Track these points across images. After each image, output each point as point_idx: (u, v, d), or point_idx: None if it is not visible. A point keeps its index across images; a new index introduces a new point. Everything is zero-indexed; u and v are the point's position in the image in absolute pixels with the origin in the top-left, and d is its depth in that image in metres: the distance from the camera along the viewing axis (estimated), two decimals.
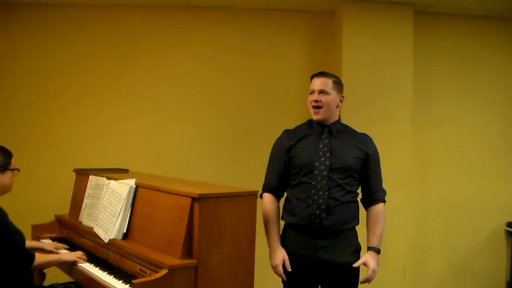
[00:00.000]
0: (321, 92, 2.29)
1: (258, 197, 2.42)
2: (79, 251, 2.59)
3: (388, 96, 3.63)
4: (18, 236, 2.18)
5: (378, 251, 2.28)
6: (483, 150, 3.98)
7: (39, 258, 2.30)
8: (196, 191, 2.12)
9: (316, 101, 2.29)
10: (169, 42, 3.87)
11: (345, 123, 2.45)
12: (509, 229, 3.92)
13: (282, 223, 2.41)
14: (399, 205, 3.54)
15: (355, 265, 2.24)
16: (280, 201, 2.43)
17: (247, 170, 3.80)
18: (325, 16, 3.92)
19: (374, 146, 2.37)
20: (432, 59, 3.93)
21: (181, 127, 3.86)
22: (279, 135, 2.49)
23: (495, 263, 3.97)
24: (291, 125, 2.59)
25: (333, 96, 2.31)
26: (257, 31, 3.91)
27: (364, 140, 2.35)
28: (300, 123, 2.49)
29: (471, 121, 3.97)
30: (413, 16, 3.67)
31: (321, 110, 2.29)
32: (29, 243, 2.62)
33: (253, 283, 2.32)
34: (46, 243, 2.85)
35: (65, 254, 2.55)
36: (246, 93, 3.90)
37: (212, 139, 3.87)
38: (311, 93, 2.33)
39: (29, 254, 2.25)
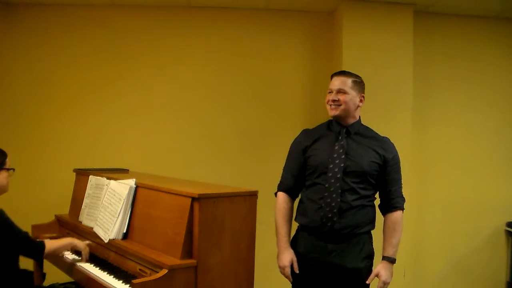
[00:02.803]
0: (339, 91, 2.24)
1: (266, 200, 2.41)
2: (86, 240, 2.61)
3: (388, 96, 3.63)
4: (21, 230, 2.22)
5: (393, 261, 2.22)
6: (483, 150, 3.97)
7: (50, 244, 2.34)
8: (196, 191, 2.12)
9: (334, 100, 2.23)
10: (169, 42, 3.87)
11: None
12: (509, 229, 3.92)
13: (295, 224, 2.38)
14: None
15: (368, 281, 2.20)
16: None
17: (247, 170, 3.81)
18: (325, 16, 3.92)
19: (395, 151, 2.29)
20: (432, 59, 3.93)
21: (181, 127, 3.86)
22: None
23: (495, 263, 3.97)
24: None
25: (352, 95, 2.24)
26: (257, 31, 3.91)
27: (384, 145, 2.27)
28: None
29: (471, 121, 3.97)
30: (413, 16, 3.67)
31: (338, 107, 2.23)
32: None
33: (253, 283, 2.32)
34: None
35: (76, 240, 2.55)
36: (246, 93, 3.89)
37: (212, 139, 3.87)
38: (329, 92, 2.28)
39: (39, 242, 2.29)
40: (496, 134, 3.99)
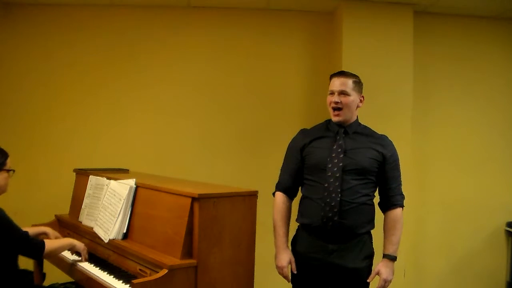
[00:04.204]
0: (341, 93, 2.23)
1: (265, 201, 2.41)
2: (85, 240, 2.60)
3: (388, 96, 3.63)
4: (20, 229, 2.21)
5: (393, 259, 2.22)
6: (483, 150, 3.97)
7: (50, 244, 2.31)
8: (196, 191, 2.12)
9: (336, 102, 2.23)
10: (169, 42, 3.87)
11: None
12: (509, 229, 3.92)
13: (295, 224, 2.38)
14: None
15: (369, 280, 2.21)
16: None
17: (247, 170, 3.81)
18: (325, 16, 3.92)
19: (393, 148, 2.29)
20: (432, 59, 3.93)
21: (181, 127, 3.86)
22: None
23: (495, 263, 3.96)
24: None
25: (353, 97, 2.25)
26: (257, 31, 3.91)
27: (382, 142, 2.27)
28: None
29: (471, 121, 3.97)
30: (413, 16, 3.67)
31: (341, 112, 2.23)
32: (31, 229, 2.61)
33: (253, 283, 2.32)
34: (48, 228, 2.85)
35: (75, 241, 2.54)
36: (246, 92, 3.90)
37: (212, 139, 3.87)
38: (330, 93, 2.27)
39: (39, 241, 2.27)
40: (496, 134, 3.98)
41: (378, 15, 3.63)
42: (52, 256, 2.52)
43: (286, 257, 2.25)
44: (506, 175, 3.98)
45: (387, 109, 3.61)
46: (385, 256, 2.23)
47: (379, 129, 2.38)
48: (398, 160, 2.30)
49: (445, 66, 3.95)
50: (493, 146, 3.98)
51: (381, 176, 2.25)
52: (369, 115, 3.50)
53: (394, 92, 3.64)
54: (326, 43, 3.90)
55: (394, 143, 2.33)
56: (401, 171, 2.32)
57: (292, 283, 2.31)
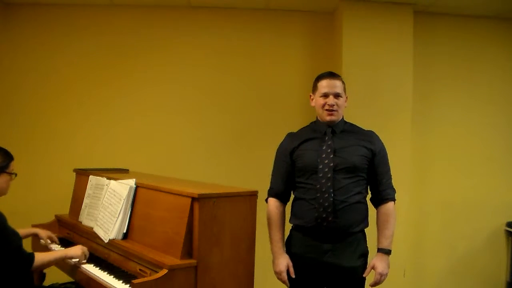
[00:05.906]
0: (337, 95, 2.25)
1: (264, 201, 2.41)
2: (81, 245, 2.56)
3: (388, 97, 3.63)
4: (16, 239, 2.16)
5: (388, 252, 2.23)
6: (482, 150, 3.97)
7: (40, 257, 2.25)
8: (196, 191, 2.12)
9: (333, 105, 2.23)
10: (169, 42, 3.87)
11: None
12: (509, 229, 3.92)
13: (288, 225, 2.38)
14: (399, 206, 3.47)
15: (365, 274, 2.21)
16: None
17: (247, 170, 3.81)
18: (325, 16, 3.92)
19: (381, 143, 2.30)
20: (432, 59, 3.93)
21: (181, 127, 3.86)
22: (278, 135, 2.47)
23: (495, 263, 3.97)
24: (291, 125, 2.57)
25: (344, 97, 2.29)
26: (257, 31, 3.91)
27: (370, 138, 2.29)
28: (299, 123, 2.47)
29: (471, 121, 3.97)
30: (413, 16, 3.67)
31: (336, 112, 2.25)
32: (22, 230, 2.54)
33: (253, 283, 2.32)
34: (39, 229, 2.85)
35: (70, 250, 2.49)
36: (246, 93, 3.90)
37: (212, 139, 3.87)
38: (323, 96, 2.26)
39: (28, 255, 2.21)
40: (496, 134, 3.98)
41: (378, 15, 3.63)
42: (42, 269, 2.44)
43: (283, 262, 2.26)
44: (506, 175, 3.98)
45: (387, 109, 3.61)
46: (379, 250, 2.24)
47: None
48: (387, 154, 2.32)
49: (445, 66, 3.95)
50: (493, 146, 3.98)
51: (372, 172, 2.27)
52: (370, 115, 3.51)
53: (394, 92, 3.64)
54: (326, 43, 3.90)
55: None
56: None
57: (289, 286, 2.32)
